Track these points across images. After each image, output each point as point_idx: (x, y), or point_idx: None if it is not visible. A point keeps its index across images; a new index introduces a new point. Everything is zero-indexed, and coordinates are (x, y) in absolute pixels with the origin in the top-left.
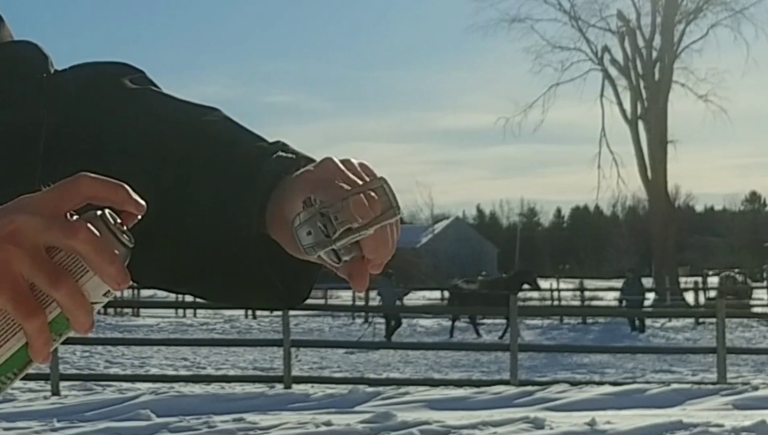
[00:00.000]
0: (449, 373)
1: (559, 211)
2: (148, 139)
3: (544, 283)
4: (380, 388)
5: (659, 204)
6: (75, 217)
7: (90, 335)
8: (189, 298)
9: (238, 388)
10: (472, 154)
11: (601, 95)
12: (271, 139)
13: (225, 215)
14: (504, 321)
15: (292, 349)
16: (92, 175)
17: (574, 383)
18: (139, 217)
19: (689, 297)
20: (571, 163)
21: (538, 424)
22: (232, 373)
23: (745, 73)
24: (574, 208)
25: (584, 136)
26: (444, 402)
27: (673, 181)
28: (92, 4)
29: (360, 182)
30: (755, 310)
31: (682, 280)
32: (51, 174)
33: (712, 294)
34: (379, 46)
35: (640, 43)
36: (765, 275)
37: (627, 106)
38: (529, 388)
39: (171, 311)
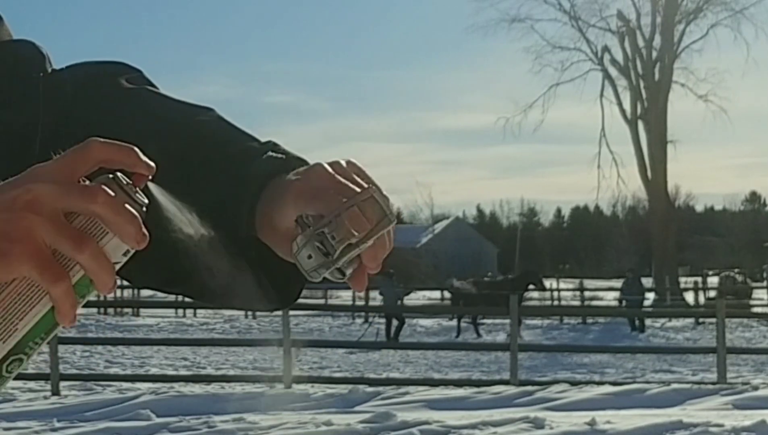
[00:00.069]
0: (449, 373)
1: (559, 211)
2: (143, 138)
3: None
4: (380, 388)
5: (659, 204)
6: (88, 182)
7: (90, 335)
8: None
9: (238, 388)
10: (472, 154)
11: (601, 95)
12: (271, 139)
13: (215, 216)
14: (536, 322)
15: (292, 349)
16: (102, 139)
17: (574, 383)
18: (150, 177)
19: (689, 297)
20: (571, 163)
21: (538, 424)
22: (232, 373)
23: (745, 73)
24: (574, 208)
25: (584, 136)
26: (444, 402)
27: (673, 181)
28: (92, 4)
29: (352, 185)
30: (755, 310)
31: (682, 280)
32: None
33: (712, 294)
34: (379, 46)
35: (640, 43)
36: (765, 275)
37: (627, 106)
38: (529, 388)
39: (171, 311)
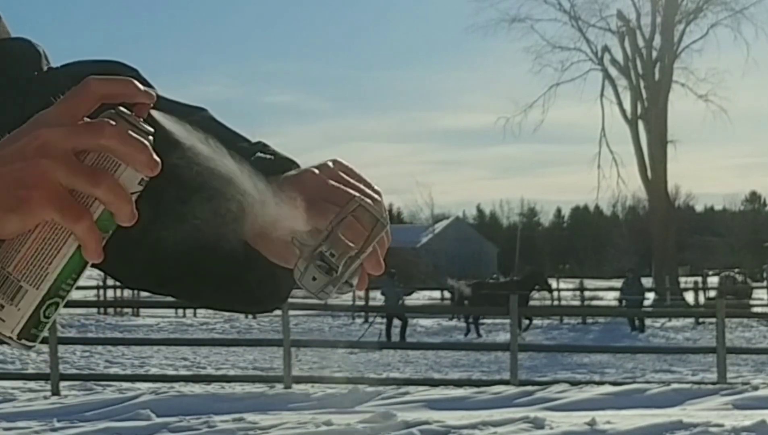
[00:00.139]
0: (449, 373)
1: (559, 211)
2: None
3: None
4: (380, 388)
5: (659, 204)
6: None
7: (90, 335)
8: None
9: (238, 388)
10: (472, 154)
11: (601, 95)
12: (260, 140)
13: (203, 221)
14: (536, 322)
15: (292, 349)
16: (98, 76)
17: (574, 383)
18: (151, 105)
19: (689, 297)
20: (571, 163)
21: (538, 424)
22: (232, 373)
23: (745, 73)
24: (574, 208)
25: (584, 136)
26: (444, 402)
27: (673, 181)
28: (92, 4)
29: (344, 189)
30: (755, 310)
31: (682, 280)
32: None
33: (712, 294)
34: (379, 46)
35: (640, 43)
36: (765, 275)
37: (627, 106)
38: (529, 388)
39: (171, 311)
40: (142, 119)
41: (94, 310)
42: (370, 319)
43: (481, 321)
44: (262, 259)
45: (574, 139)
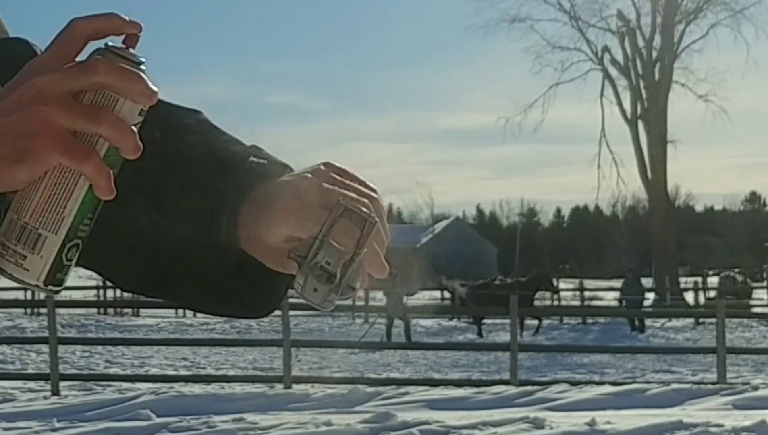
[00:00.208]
0: (449, 373)
1: (559, 211)
2: None
3: None
4: (380, 388)
5: (659, 204)
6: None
7: (90, 335)
8: None
9: (238, 388)
10: (472, 154)
11: (601, 95)
12: (254, 144)
13: (195, 225)
14: (524, 322)
15: (292, 349)
16: (82, 16)
17: (574, 383)
18: (139, 34)
19: (689, 297)
20: (571, 163)
21: (538, 424)
22: (232, 373)
23: (745, 73)
24: (574, 208)
25: (584, 136)
26: (444, 402)
27: (673, 181)
28: (92, 4)
29: (339, 190)
30: (755, 310)
31: (682, 280)
32: None
33: (712, 294)
34: (379, 46)
35: (640, 43)
36: (765, 275)
37: (627, 106)
38: (529, 388)
39: (171, 311)
40: (132, 50)
41: (94, 310)
42: (371, 319)
43: (484, 322)
44: (256, 264)
45: (574, 139)
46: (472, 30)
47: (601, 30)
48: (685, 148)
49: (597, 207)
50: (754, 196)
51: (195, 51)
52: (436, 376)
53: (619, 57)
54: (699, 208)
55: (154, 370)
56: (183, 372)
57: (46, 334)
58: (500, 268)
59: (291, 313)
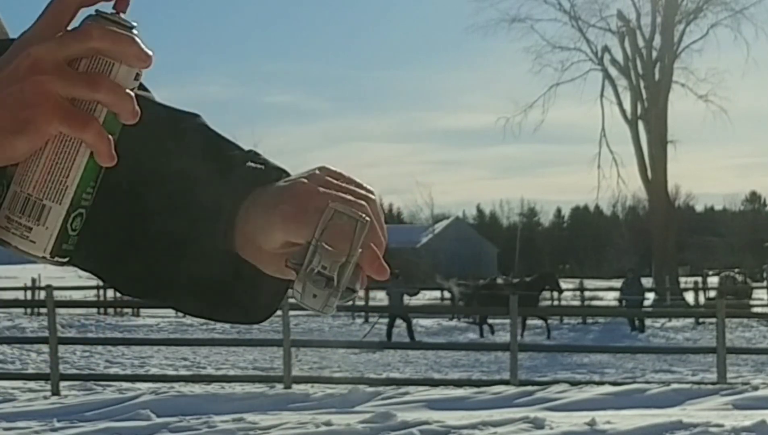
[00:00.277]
0: (449, 373)
1: (559, 211)
2: (126, 145)
3: None
4: (380, 388)
5: (659, 204)
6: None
7: (90, 335)
8: None
9: (238, 388)
10: (472, 154)
11: (601, 95)
12: (252, 149)
13: (192, 229)
14: (526, 322)
15: (292, 349)
16: None
17: (574, 383)
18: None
19: (689, 297)
20: (571, 163)
21: (538, 424)
22: (232, 373)
23: (745, 73)
24: (574, 208)
25: (584, 136)
26: (444, 402)
27: (673, 181)
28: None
29: (333, 192)
30: (755, 310)
31: (682, 280)
32: None
33: (712, 294)
34: (379, 46)
35: (640, 43)
36: (765, 275)
37: (627, 106)
38: (529, 388)
39: (171, 311)
40: (122, 14)
41: (94, 310)
42: (371, 320)
43: (490, 322)
44: (254, 269)
45: (574, 139)
46: (472, 30)
47: (601, 30)
48: (685, 148)
49: (597, 207)
50: (754, 196)
51: (195, 51)
52: (436, 376)
53: (619, 57)
54: (699, 208)
55: (154, 370)
56: (183, 372)
57: (46, 334)
58: (500, 268)
59: (291, 313)
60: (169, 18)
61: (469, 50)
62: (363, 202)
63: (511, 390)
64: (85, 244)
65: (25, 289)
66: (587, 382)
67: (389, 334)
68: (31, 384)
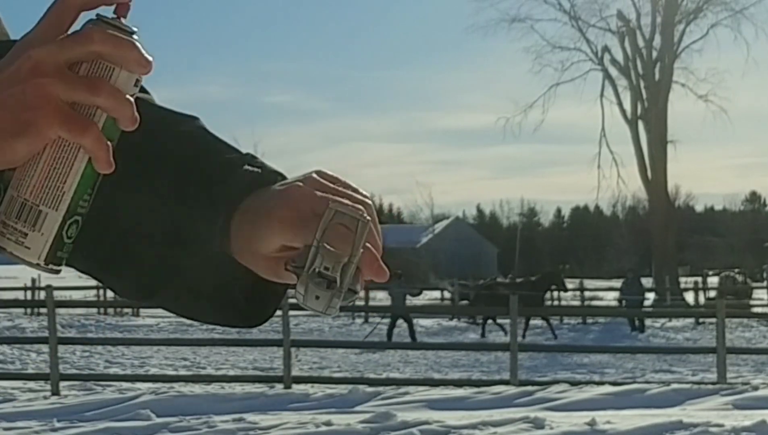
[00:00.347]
0: (449, 373)
1: (559, 211)
2: (124, 147)
3: None
4: (380, 388)
5: (659, 204)
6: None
7: (90, 335)
8: None
9: (238, 388)
10: (472, 154)
11: (601, 95)
12: (249, 152)
13: (188, 233)
14: (529, 322)
15: (292, 349)
16: None
17: (574, 383)
18: (130, 5)
19: (689, 297)
20: (571, 163)
21: (538, 424)
22: (232, 373)
23: (745, 73)
24: (574, 208)
25: (584, 136)
26: (444, 402)
27: (673, 181)
28: None
29: (330, 195)
30: (755, 310)
31: (682, 280)
32: None
33: (712, 294)
34: (379, 46)
35: (640, 43)
36: (765, 275)
37: (627, 106)
38: (529, 388)
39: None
40: (123, 19)
41: (94, 310)
42: (371, 320)
43: (498, 322)
44: (249, 273)
45: (574, 139)
46: (472, 30)
47: (601, 30)
48: (685, 148)
49: (597, 207)
50: (754, 196)
51: (195, 51)
52: (436, 376)
53: (619, 57)
54: (699, 208)
55: (154, 370)
56: (183, 372)
57: (46, 334)
58: (500, 268)
59: (291, 313)
60: (169, 18)
61: (469, 50)
62: (360, 206)
63: (511, 390)
64: (82, 245)
65: (25, 289)
66: (587, 382)
67: (390, 334)
68: (31, 384)
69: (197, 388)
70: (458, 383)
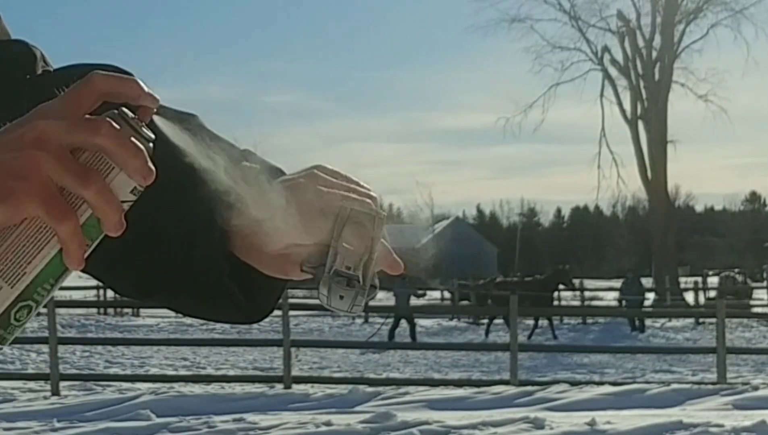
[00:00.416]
0: (449, 373)
1: (559, 211)
2: None
3: None
4: (380, 388)
5: (659, 204)
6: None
7: (90, 335)
8: None
9: (238, 388)
10: (472, 154)
11: (601, 95)
12: (247, 148)
13: (188, 231)
14: (538, 322)
15: (292, 349)
16: (103, 72)
17: (574, 383)
18: (155, 109)
19: (689, 297)
20: (571, 163)
21: (538, 424)
22: (232, 373)
23: (745, 73)
24: (574, 208)
25: (584, 136)
26: (444, 402)
27: (673, 181)
28: (92, 5)
29: (334, 193)
30: (755, 310)
31: (682, 280)
32: None
33: (712, 294)
34: (379, 46)
35: (640, 43)
36: (765, 275)
37: (627, 106)
38: (529, 388)
39: (171, 311)
40: (143, 123)
41: (94, 310)
42: (371, 320)
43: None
44: (250, 270)
45: (574, 139)
46: (472, 30)
47: (601, 30)
48: (685, 148)
49: (597, 207)
50: (754, 196)
51: (195, 51)
52: (436, 376)
53: (619, 57)
54: (699, 208)
55: (154, 370)
56: (183, 372)
57: (46, 334)
58: (500, 268)
59: (291, 313)
60: (169, 18)
61: (469, 50)
62: (369, 200)
63: (511, 390)
64: None
65: None
66: (587, 382)
67: (392, 334)
68: (31, 384)
69: (197, 388)
70: (458, 383)
